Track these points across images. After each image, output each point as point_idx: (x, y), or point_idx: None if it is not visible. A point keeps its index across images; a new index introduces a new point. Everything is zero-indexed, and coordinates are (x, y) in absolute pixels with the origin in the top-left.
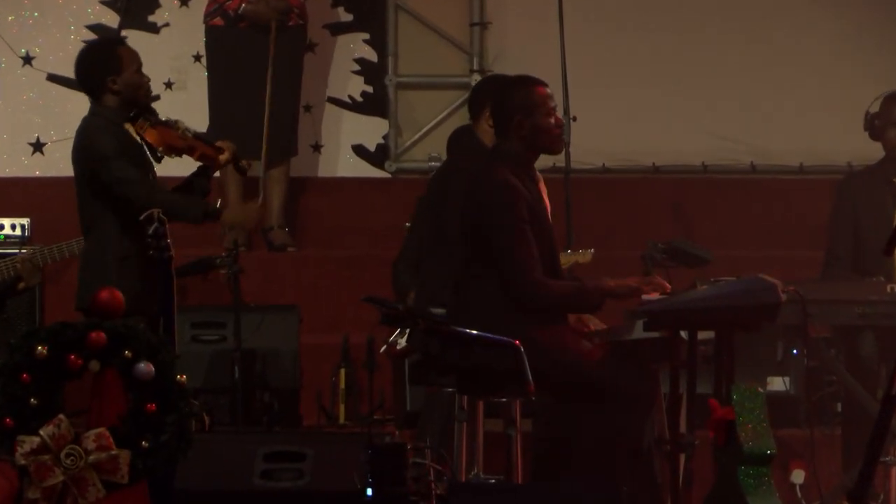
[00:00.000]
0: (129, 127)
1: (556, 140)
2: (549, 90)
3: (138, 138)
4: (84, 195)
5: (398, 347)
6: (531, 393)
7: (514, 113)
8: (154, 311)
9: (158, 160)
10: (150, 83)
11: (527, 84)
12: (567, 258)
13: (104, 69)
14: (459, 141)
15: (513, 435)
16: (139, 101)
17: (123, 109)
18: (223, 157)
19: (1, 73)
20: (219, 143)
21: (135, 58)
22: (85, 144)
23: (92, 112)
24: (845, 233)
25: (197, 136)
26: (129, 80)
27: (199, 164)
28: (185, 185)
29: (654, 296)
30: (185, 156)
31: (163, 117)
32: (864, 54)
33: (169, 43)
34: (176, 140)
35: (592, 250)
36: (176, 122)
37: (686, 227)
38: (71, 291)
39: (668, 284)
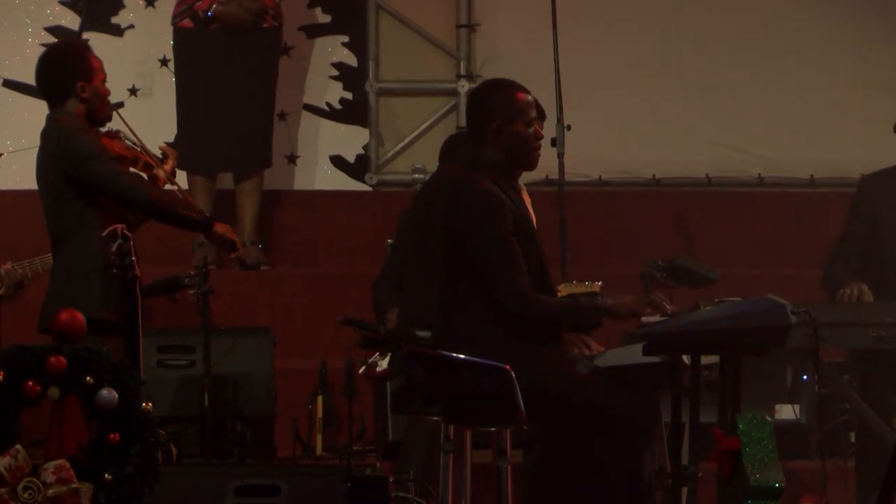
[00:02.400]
0: None
1: (532, 154)
2: (531, 98)
3: None
4: (60, 202)
5: (378, 369)
6: (523, 421)
7: (493, 117)
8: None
9: None
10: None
11: (508, 88)
12: (573, 289)
13: (75, 73)
14: (453, 151)
15: (503, 467)
16: (101, 114)
17: (84, 119)
18: (166, 167)
19: None
20: (161, 148)
21: (102, 67)
22: (67, 147)
23: (55, 118)
24: (858, 233)
25: (135, 145)
26: (98, 90)
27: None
28: None
29: (655, 317)
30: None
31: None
32: (880, 59)
33: (134, 46)
34: (123, 151)
35: (600, 283)
36: (118, 131)
37: (689, 244)
38: (28, 312)
39: (669, 305)
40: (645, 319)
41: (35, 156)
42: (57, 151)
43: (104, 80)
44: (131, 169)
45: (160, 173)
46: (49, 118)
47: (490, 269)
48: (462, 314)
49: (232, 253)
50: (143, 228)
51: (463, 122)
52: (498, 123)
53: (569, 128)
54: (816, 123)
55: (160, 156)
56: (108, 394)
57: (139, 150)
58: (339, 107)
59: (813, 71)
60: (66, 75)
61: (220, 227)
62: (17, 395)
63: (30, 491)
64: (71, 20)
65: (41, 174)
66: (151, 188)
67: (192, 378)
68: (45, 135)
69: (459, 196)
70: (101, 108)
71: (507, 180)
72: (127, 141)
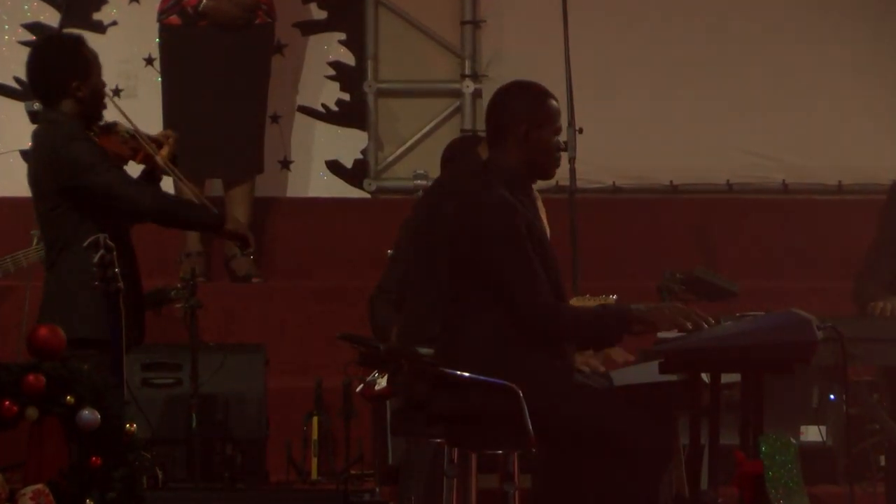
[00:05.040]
0: (90, 135)
1: (554, 163)
2: (559, 107)
3: None
4: (54, 214)
5: (376, 388)
6: (531, 444)
7: (521, 121)
8: (140, 341)
9: None
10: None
11: (540, 92)
12: (585, 303)
13: (69, 71)
14: (456, 155)
15: (510, 492)
16: (98, 111)
17: (81, 118)
18: (163, 153)
19: None
20: (157, 135)
21: (97, 60)
22: (61, 157)
23: (49, 120)
24: (889, 244)
25: (135, 134)
26: (95, 87)
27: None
28: None
29: (673, 332)
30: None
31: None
32: None
33: (117, 44)
34: (120, 147)
35: (615, 296)
36: (115, 124)
37: (708, 255)
38: (2, 328)
39: (708, 320)
40: (661, 335)
41: (10, 161)
42: (51, 161)
43: (100, 74)
44: (131, 162)
45: (158, 161)
46: (42, 119)
47: (507, 279)
48: (468, 329)
49: (245, 250)
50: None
51: (467, 125)
52: (525, 127)
53: (580, 131)
54: (844, 127)
55: (157, 141)
56: (90, 414)
57: (137, 139)
58: (335, 108)
59: (840, 72)
60: (59, 75)
61: (231, 224)
62: None
63: None
64: (50, 16)
65: (34, 181)
66: (155, 194)
67: (179, 398)
68: (37, 138)
69: (471, 203)
70: (97, 105)
71: (521, 188)
72: (124, 133)
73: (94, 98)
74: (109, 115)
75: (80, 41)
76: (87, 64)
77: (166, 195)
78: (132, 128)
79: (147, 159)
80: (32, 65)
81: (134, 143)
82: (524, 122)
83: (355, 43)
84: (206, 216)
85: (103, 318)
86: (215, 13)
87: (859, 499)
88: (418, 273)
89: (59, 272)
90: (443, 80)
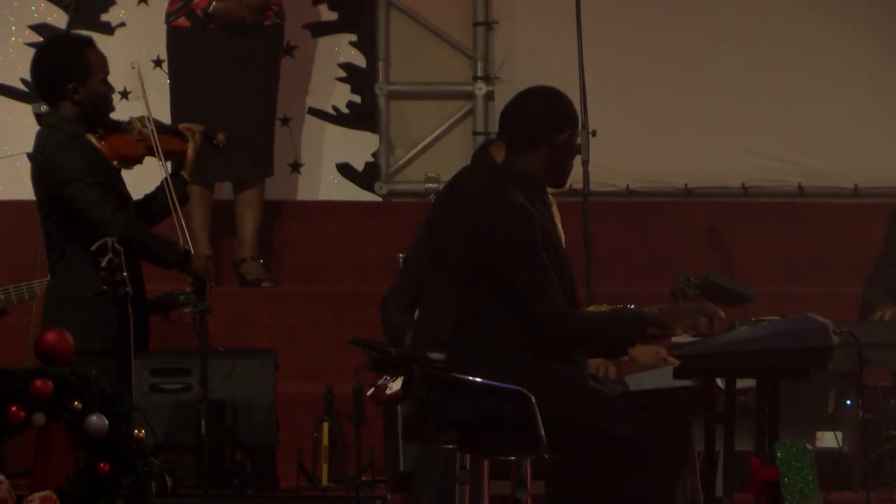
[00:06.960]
0: (91, 138)
1: (570, 169)
2: None
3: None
4: (49, 222)
5: (388, 392)
6: (544, 450)
7: (562, 128)
8: (146, 346)
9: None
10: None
11: (567, 98)
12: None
13: (67, 73)
14: (478, 156)
15: (522, 499)
16: (100, 115)
17: (81, 121)
18: (190, 148)
19: None
20: (182, 128)
21: (103, 64)
22: (49, 166)
23: (48, 124)
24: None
25: (159, 128)
26: (94, 91)
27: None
28: (144, 205)
29: (687, 337)
30: (147, 159)
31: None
32: None
33: (125, 46)
34: (130, 147)
35: (632, 306)
36: (129, 122)
37: (723, 259)
38: (9, 333)
39: (722, 315)
40: (676, 340)
41: (17, 164)
42: (40, 168)
43: (105, 78)
44: (146, 160)
45: (186, 157)
46: (43, 122)
47: (520, 285)
48: (481, 333)
49: (199, 298)
50: None
51: (479, 127)
52: (567, 135)
53: (594, 134)
54: (860, 130)
55: (182, 133)
56: (98, 420)
57: (155, 137)
58: (346, 111)
59: (856, 74)
60: (55, 76)
61: (197, 265)
62: (0, 422)
63: None
64: (58, 18)
65: (34, 187)
66: (126, 225)
67: (187, 403)
68: (36, 141)
69: (485, 206)
70: (98, 110)
71: (537, 193)
72: (141, 130)
73: (94, 101)
74: (134, 111)
75: (83, 43)
76: (87, 66)
77: (138, 228)
78: (154, 123)
79: (172, 156)
80: (33, 67)
81: (150, 142)
82: (566, 129)
83: (366, 44)
84: (171, 254)
85: (97, 329)
86: (226, 15)
87: None
88: (432, 276)
89: (57, 282)
90: (455, 83)
